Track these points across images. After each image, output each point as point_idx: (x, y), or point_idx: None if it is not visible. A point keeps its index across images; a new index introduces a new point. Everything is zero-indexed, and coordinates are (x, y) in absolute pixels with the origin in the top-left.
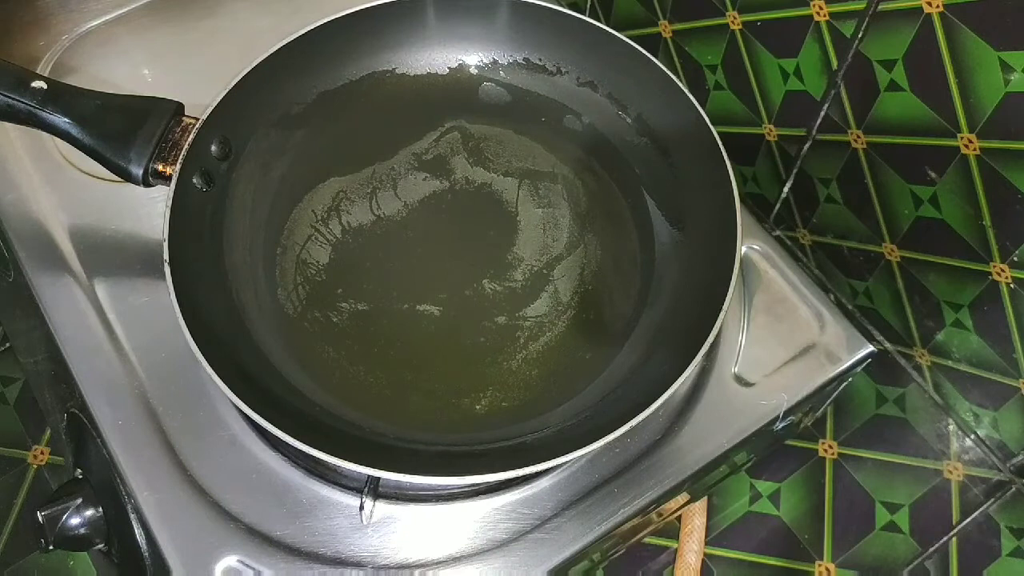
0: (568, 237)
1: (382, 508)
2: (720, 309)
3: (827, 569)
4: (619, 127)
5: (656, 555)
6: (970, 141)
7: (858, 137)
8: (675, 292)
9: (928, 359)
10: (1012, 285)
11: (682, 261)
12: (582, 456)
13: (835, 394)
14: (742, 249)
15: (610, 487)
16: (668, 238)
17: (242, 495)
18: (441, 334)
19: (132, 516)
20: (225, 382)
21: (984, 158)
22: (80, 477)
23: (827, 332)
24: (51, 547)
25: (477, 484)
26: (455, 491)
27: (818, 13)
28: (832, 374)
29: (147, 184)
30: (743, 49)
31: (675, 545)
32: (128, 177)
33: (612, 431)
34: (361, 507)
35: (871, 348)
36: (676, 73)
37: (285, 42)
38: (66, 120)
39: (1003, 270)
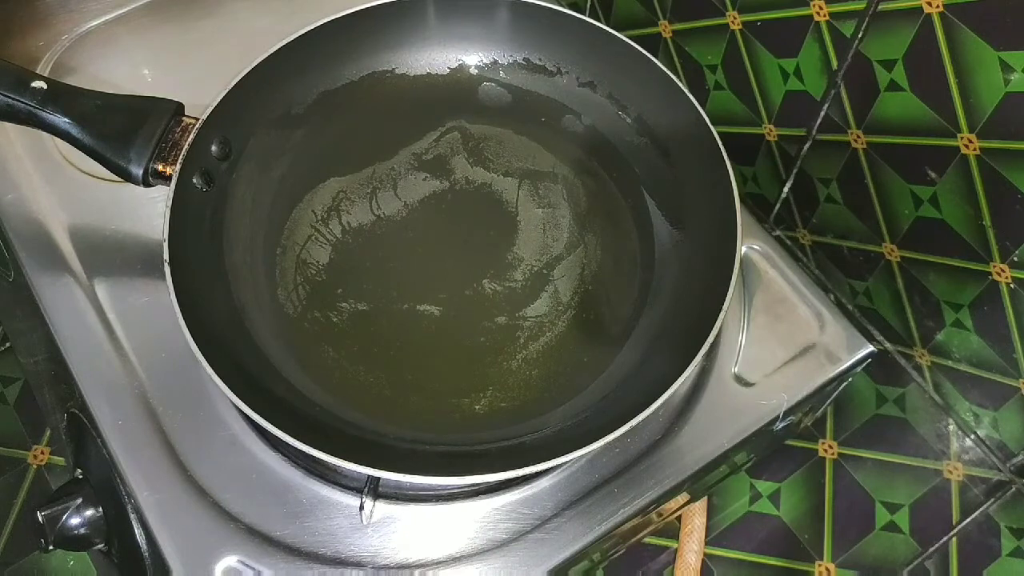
0: (568, 237)
1: (382, 508)
2: (720, 309)
3: (827, 569)
4: (619, 127)
5: (656, 555)
6: (970, 141)
7: (858, 137)
8: (675, 292)
9: (928, 359)
10: (1012, 285)
11: (682, 261)
12: (582, 456)
13: (835, 394)
14: (742, 249)
15: (610, 487)
16: (668, 238)
17: (242, 495)
18: (441, 334)
19: (132, 516)
20: (225, 382)
21: (984, 158)
22: (80, 477)
23: (827, 332)
24: (51, 547)
25: (477, 484)
26: (455, 491)
27: (818, 13)
28: (832, 374)
29: (147, 184)
30: (743, 49)
31: (675, 545)
32: (128, 177)
33: (612, 431)
34: (361, 507)
35: (871, 348)
36: (676, 73)
37: (285, 42)
38: (66, 120)
39: (1003, 270)
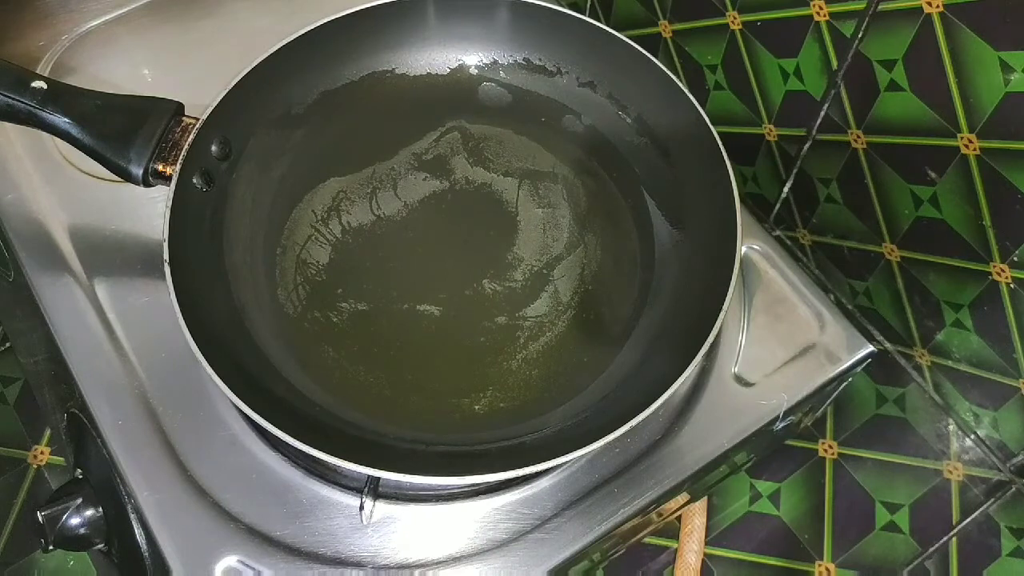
0: (568, 237)
1: (382, 508)
2: (720, 309)
3: (827, 569)
4: (619, 127)
5: (656, 555)
6: (970, 141)
7: (858, 137)
8: (675, 292)
9: (928, 359)
10: (1012, 285)
11: (682, 261)
12: (582, 456)
13: (835, 394)
14: (742, 249)
15: (610, 487)
16: (668, 238)
17: (242, 495)
18: (441, 334)
19: (132, 516)
20: (225, 382)
21: (984, 158)
22: (80, 477)
23: (827, 332)
24: (51, 547)
25: (477, 484)
26: (455, 491)
27: (818, 13)
28: (832, 374)
29: (147, 184)
30: (743, 49)
31: (675, 545)
32: (128, 177)
33: (612, 431)
34: (361, 507)
35: (871, 348)
36: (676, 73)
37: (285, 42)
38: (66, 120)
39: (1003, 270)
